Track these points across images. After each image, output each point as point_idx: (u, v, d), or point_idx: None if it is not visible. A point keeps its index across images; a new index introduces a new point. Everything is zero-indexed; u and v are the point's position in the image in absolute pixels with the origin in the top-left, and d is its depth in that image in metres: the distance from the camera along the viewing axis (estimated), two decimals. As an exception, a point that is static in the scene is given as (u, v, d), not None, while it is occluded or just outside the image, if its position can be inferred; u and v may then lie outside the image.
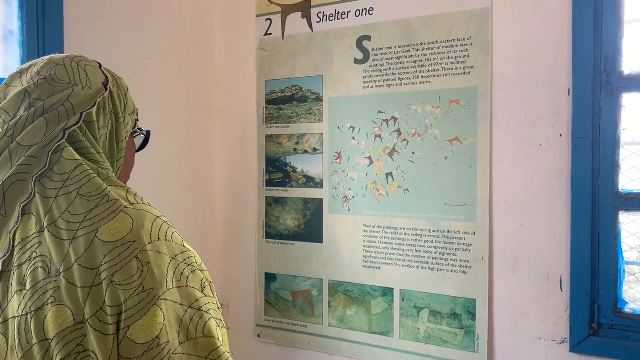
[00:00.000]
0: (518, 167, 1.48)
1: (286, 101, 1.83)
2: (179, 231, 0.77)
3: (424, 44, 1.60)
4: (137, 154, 0.95)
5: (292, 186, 1.82)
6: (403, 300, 1.63)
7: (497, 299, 1.51)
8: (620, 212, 1.38)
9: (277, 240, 1.86)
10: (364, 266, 1.69)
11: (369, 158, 1.68)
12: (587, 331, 1.39)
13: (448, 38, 1.56)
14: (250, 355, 1.91)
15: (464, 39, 1.54)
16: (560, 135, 1.42)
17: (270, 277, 1.87)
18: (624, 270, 1.38)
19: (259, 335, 1.89)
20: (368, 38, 1.68)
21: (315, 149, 1.78)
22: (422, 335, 1.60)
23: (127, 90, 0.88)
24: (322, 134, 1.76)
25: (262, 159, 1.88)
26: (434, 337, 1.58)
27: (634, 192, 1.37)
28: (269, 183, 1.87)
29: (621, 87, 1.36)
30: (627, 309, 1.38)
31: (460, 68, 1.55)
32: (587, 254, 1.39)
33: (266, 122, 1.87)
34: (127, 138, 0.87)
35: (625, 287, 1.39)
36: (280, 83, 1.84)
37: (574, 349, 1.41)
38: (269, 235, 1.87)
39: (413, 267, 1.62)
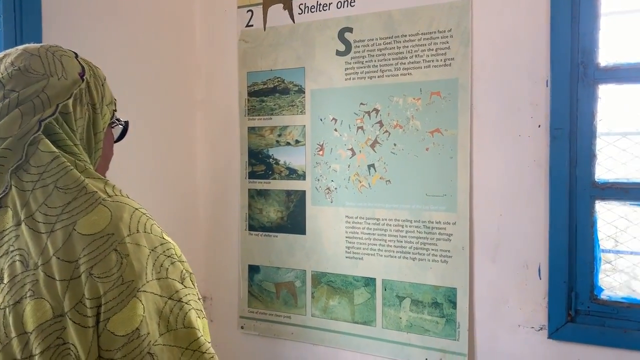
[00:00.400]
0: (498, 158, 1.50)
1: (268, 93, 1.82)
2: (160, 224, 0.77)
3: (405, 35, 1.60)
4: (118, 146, 0.95)
5: (274, 178, 1.83)
6: (385, 290, 1.65)
7: (477, 288, 1.53)
8: (597, 201, 1.41)
9: (260, 232, 1.86)
10: (346, 257, 1.71)
11: (351, 150, 1.69)
12: (565, 318, 1.42)
13: (429, 30, 1.57)
14: (233, 346, 1.92)
15: (444, 31, 1.55)
16: (539, 126, 1.44)
17: (253, 269, 1.88)
18: (599, 258, 1.41)
19: (242, 327, 1.90)
20: (350, 30, 1.68)
21: (297, 141, 1.78)
22: (404, 324, 1.62)
23: (105, 80, 0.87)
24: (304, 125, 1.77)
25: (245, 151, 1.88)
26: (416, 325, 1.61)
27: (609, 181, 1.40)
28: (252, 175, 1.87)
29: (597, 78, 1.38)
30: (603, 296, 1.41)
31: (441, 60, 1.56)
32: (565, 243, 1.41)
33: (248, 114, 1.87)
34: (105, 129, 0.87)
35: (601, 275, 1.42)
36: (262, 75, 1.83)
37: (552, 335, 1.43)
38: (252, 228, 1.88)
39: (395, 257, 1.63)
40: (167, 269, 0.72)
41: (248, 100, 1.87)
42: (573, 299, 1.42)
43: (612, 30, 1.39)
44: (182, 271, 0.74)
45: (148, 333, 0.68)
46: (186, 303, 0.72)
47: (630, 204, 1.41)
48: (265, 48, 1.83)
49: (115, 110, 0.91)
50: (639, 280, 1.44)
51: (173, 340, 0.70)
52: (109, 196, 0.74)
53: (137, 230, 0.72)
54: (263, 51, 1.83)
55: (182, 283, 0.73)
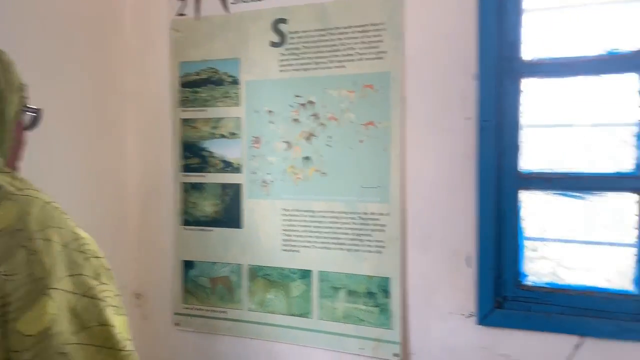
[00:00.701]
0: (429, 150, 1.53)
1: (202, 84, 1.78)
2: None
3: (339, 28, 1.60)
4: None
5: (209, 171, 1.79)
6: (321, 281, 1.65)
7: (410, 277, 1.56)
8: (522, 191, 1.46)
9: (196, 227, 1.82)
10: (283, 250, 1.70)
11: (287, 142, 1.68)
12: (492, 304, 1.47)
13: (362, 23, 1.58)
14: (168, 344, 1.87)
15: (377, 24, 1.57)
16: (468, 119, 1.48)
17: (188, 265, 1.84)
18: (524, 246, 1.47)
19: (177, 324, 1.86)
20: (284, 21, 1.67)
21: (232, 133, 1.75)
22: (340, 315, 1.64)
23: (11, 65, 0.82)
24: (239, 117, 1.74)
25: (178, 144, 1.83)
26: (351, 316, 1.62)
27: (533, 171, 1.46)
28: (186, 169, 1.82)
29: (521, 72, 1.44)
30: (528, 282, 1.47)
31: (374, 53, 1.57)
32: (492, 232, 1.46)
33: (181, 105, 1.82)
34: (15, 116, 0.82)
35: (526, 262, 1.48)
36: (195, 65, 1.79)
37: (481, 321, 1.48)
38: (187, 222, 1.83)
39: (331, 249, 1.64)
40: (81, 265, 0.69)
41: (181, 91, 1.82)
42: (500, 286, 1.47)
43: (534, 25, 1.45)
44: (97, 267, 0.71)
45: (60, 332, 0.65)
46: (101, 300, 0.69)
47: (554, 193, 1.47)
48: (198, 38, 1.78)
49: (25, 97, 0.86)
50: (562, 266, 1.51)
51: (88, 339, 0.67)
52: (18, 190, 0.70)
53: (48, 225, 0.68)
54: (196, 41, 1.79)
55: (97, 279, 0.70)
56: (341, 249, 1.63)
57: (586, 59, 1.39)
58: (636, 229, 1.37)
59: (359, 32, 1.59)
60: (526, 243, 1.48)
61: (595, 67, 1.39)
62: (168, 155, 1.84)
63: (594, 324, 1.38)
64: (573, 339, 1.40)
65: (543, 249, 1.52)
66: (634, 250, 1.38)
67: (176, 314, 1.86)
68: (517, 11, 1.43)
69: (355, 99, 1.60)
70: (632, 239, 1.38)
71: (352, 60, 1.60)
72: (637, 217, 1.37)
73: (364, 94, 1.59)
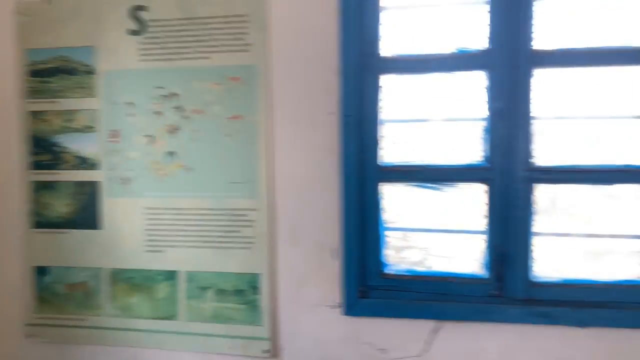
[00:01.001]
0: (296, 144, 1.53)
1: (52, 73, 1.63)
2: None
3: (202, 18, 1.55)
4: None
5: (63, 168, 1.64)
6: (189, 282, 1.59)
7: (280, 272, 1.55)
8: (382, 184, 1.51)
9: (48, 230, 1.67)
10: (147, 250, 1.61)
11: (149, 136, 1.59)
12: (357, 294, 1.50)
13: (225, 14, 1.54)
14: (18, 358, 1.70)
15: (241, 16, 1.53)
16: (332, 114, 1.50)
17: (41, 271, 1.68)
18: (385, 237, 1.51)
19: (29, 336, 1.69)
20: (143, 8, 1.57)
21: (88, 127, 1.62)
22: (209, 314, 1.58)
23: None
24: (95, 110, 1.62)
25: (25, 139, 1.66)
26: (220, 315, 1.58)
27: (392, 164, 1.51)
28: (35, 166, 1.66)
29: (381, 68, 1.48)
30: (389, 271, 1.52)
31: (240, 45, 1.54)
32: (356, 224, 1.49)
33: (29, 96, 1.65)
34: None
35: (388, 252, 1.53)
36: (44, 53, 1.63)
37: (347, 312, 1.51)
38: (37, 225, 1.67)
39: (198, 247, 1.58)
40: None
41: (28, 81, 1.65)
42: (364, 276, 1.51)
43: (393, 23, 1.49)
44: None
45: None
46: None
47: (412, 185, 1.54)
48: (48, 23, 1.63)
49: None
50: (429, 255, 1.58)
51: None
52: None
53: None
54: (45, 26, 1.63)
55: None
56: (209, 247, 1.58)
57: (439, 57, 1.46)
58: (486, 217, 1.47)
59: (223, 22, 1.54)
60: (389, 233, 1.53)
61: (447, 64, 1.46)
62: (14, 152, 1.67)
63: (450, 308, 1.46)
64: (431, 324, 1.48)
65: (410, 239, 1.58)
66: (484, 237, 1.47)
67: (27, 324, 1.69)
68: (376, 8, 1.47)
69: (221, 92, 1.55)
70: (482, 227, 1.47)
71: (218, 51, 1.55)
72: (486, 206, 1.46)
73: (230, 87, 1.55)
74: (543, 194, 1.44)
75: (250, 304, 1.56)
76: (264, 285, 1.55)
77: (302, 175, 1.53)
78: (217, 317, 1.58)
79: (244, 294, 1.56)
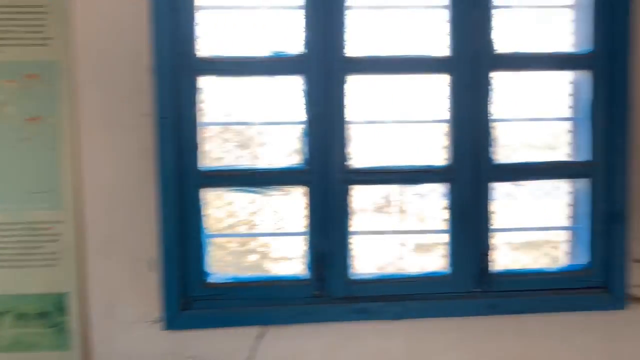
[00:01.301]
0: (107, 149, 1.41)
1: None
2: None
3: (-9, 6, 1.36)
4: None
5: None
6: (-20, 308, 1.38)
7: (91, 289, 1.42)
8: (203, 189, 1.45)
9: None
10: None
11: None
12: (178, 307, 1.43)
13: (19, 3, 1.37)
14: None
15: (37, 7, 1.37)
16: (145, 115, 1.41)
17: None
18: (207, 244, 1.46)
19: None
20: None
21: None
22: (8, 343, 1.40)
23: None
24: None
25: None
26: (22, 342, 1.40)
27: (213, 169, 1.46)
28: None
29: (197, 69, 1.42)
30: (211, 280, 1.47)
31: (37, 39, 1.38)
32: (175, 232, 1.42)
33: None
34: None
35: (210, 260, 1.47)
36: None
37: (168, 326, 1.43)
38: None
39: (-9, 267, 1.39)
40: None
41: None
42: (186, 287, 1.44)
43: (210, 23, 1.45)
44: None
45: None
46: None
47: (235, 190, 1.50)
48: None
49: None
50: (248, 260, 1.56)
51: None
52: None
53: None
54: None
55: None
56: (5, 266, 1.39)
57: (257, 59, 1.44)
58: (306, 218, 1.48)
59: (17, 12, 1.37)
60: (211, 240, 1.48)
61: (265, 67, 1.45)
62: None
63: (274, 312, 1.45)
64: (256, 330, 1.45)
65: (228, 245, 1.54)
66: (305, 238, 1.49)
67: None
68: (190, 7, 1.41)
69: (16, 90, 1.38)
70: (303, 228, 1.49)
71: (11, 45, 1.37)
72: (306, 208, 1.48)
73: (27, 85, 1.38)
74: (359, 194, 1.50)
75: (57, 326, 1.40)
76: (72, 305, 1.40)
77: (114, 182, 1.41)
78: (18, 345, 1.40)
79: (49, 316, 1.40)
